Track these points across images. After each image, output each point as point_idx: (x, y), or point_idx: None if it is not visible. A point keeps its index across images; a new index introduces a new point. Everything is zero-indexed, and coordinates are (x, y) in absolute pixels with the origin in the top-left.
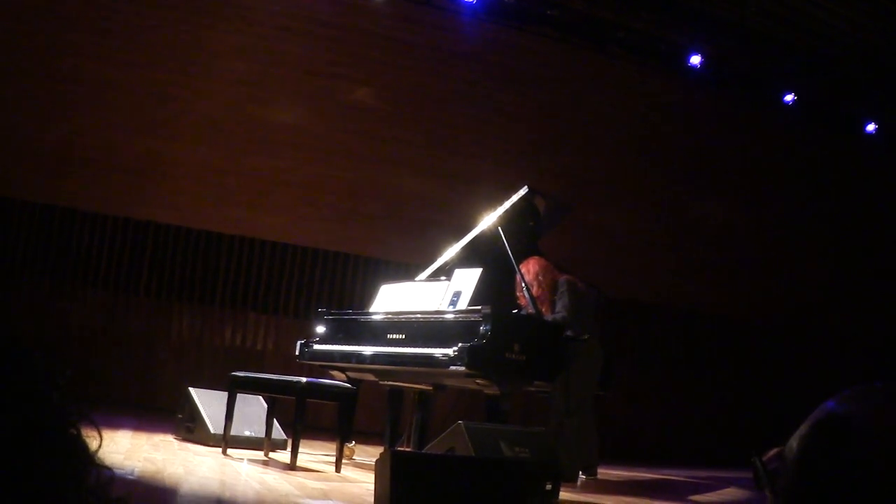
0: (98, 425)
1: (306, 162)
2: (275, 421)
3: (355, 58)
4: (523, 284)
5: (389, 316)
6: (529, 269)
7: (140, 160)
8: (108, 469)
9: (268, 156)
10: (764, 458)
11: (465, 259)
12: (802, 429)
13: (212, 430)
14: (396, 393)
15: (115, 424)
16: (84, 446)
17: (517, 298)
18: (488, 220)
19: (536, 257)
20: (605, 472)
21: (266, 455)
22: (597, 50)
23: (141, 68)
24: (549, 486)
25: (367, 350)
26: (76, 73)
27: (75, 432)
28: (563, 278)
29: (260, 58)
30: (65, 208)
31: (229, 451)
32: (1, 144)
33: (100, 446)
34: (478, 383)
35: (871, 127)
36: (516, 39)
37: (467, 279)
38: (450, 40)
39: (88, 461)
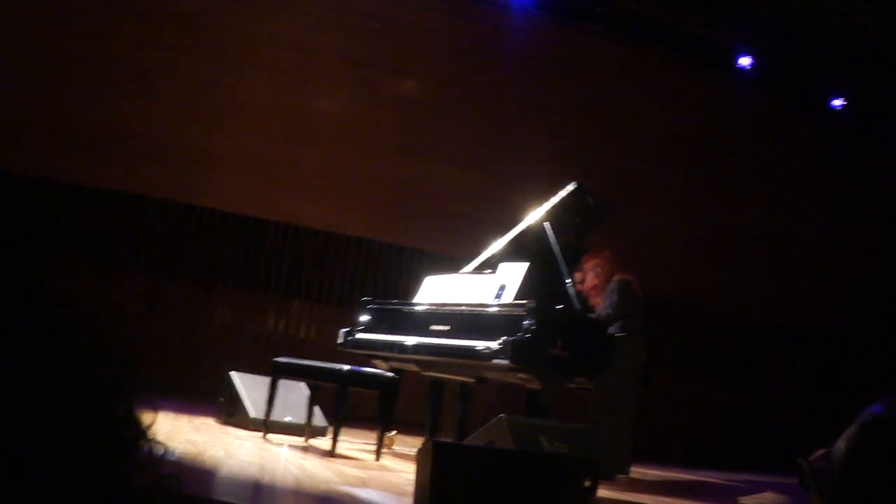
0: (154, 402)
1: (350, 153)
2: (316, 408)
3: (400, 50)
4: (567, 280)
5: (433, 307)
6: (588, 260)
7: (184, 147)
8: (161, 445)
9: (311, 145)
10: (810, 459)
11: (511, 253)
12: (850, 431)
13: (252, 415)
14: (438, 384)
15: (156, 406)
16: (136, 422)
17: (574, 285)
18: (535, 215)
19: (601, 251)
20: (640, 472)
21: (306, 441)
22: (644, 49)
23: (187, 56)
24: (587, 483)
25: (410, 340)
26: (123, 59)
27: (126, 409)
28: (617, 276)
29: (305, 48)
30: (109, 192)
31: (269, 435)
32: (47, 129)
33: (153, 422)
34: (520, 377)
35: None
36: (563, 36)
37: (514, 273)
38: (495, 35)
39: (140, 437)
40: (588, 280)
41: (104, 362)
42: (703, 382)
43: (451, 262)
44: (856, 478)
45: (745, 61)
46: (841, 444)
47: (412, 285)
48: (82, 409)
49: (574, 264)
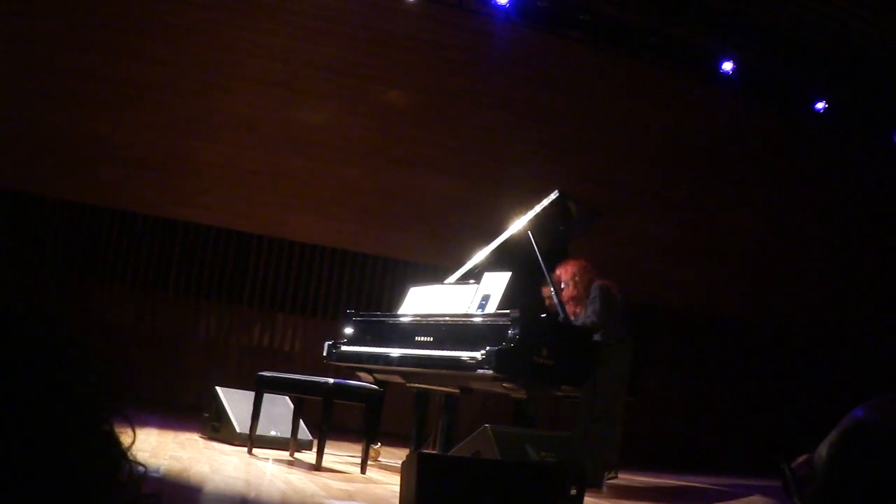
0: (132, 421)
1: (337, 163)
2: (301, 421)
3: (387, 60)
4: (552, 289)
5: (418, 318)
6: (567, 269)
7: (172, 159)
8: (141, 465)
9: (299, 156)
10: (793, 465)
11: (495, 262)
12: (832, 436)
13: (238, 430)
14: (423, 395)
15: (142, 422)
16: (117, 441)
17: (545, 300)
18: (518, 224)
19: (577, 258)
20: (628, 478)
21: (291, 455)
22: (628, 55)
23: (175, 68)
24: (573, 491)
25: (395, 352)
26: (110, 72)
27: (108, 427)
28: (597, 282)
29: (293, 59)
30: (96, 206)
31: (255, 450)
32: (34, 142)
33: (133, 442)
34: (505, 387)
35: None
36: (548, 43)
37: (497, 283)
38: (481, 43)
39: (121, 456)
40: (568, 289)
41: (87, 379)
42: (691, 386)
43: (436, 272)
44: (837, 484)
45: (727, 66)
46: (822, 450)
47: (397, 296)
48: (66, 427)
49: None
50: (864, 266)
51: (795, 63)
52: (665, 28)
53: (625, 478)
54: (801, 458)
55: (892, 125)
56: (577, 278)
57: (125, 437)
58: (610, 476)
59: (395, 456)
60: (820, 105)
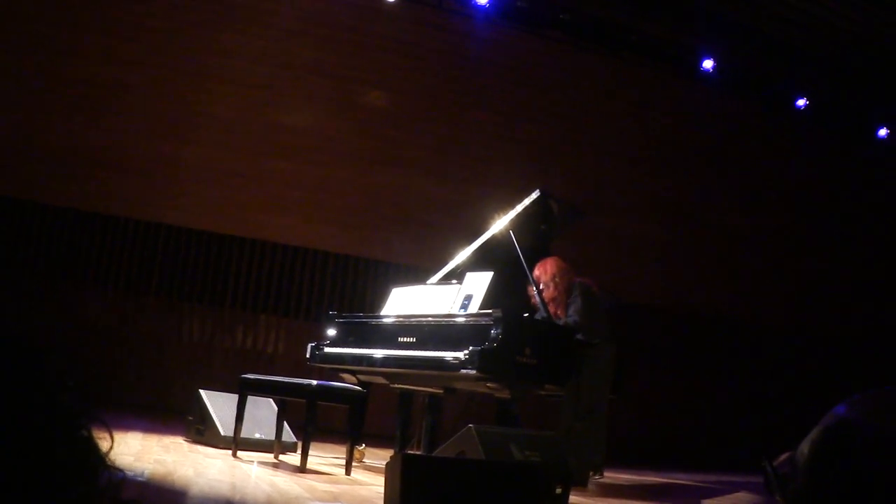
0: (109, 427)
1: (318, 165)
2: (285, 423)
3: (368, 61)
4: (535, 288)
5: (400, 319)
6: (546, 270)
7: (153, 163)
8: (120, 471)
9: (280, 158)
10: (775, 463)
11: (477, 262)
12: (813, 434)
13: (222, 433)
14: (407, 396)
15: (126, 426)
16: (95, 447)
17: (530, 299)
18: (500, 224)
19: (554, 258)
20: (613, 476)
21: (276, 457)
22: (610, 54)
23: (155, 71)
24: (559, 490)
25: (378, 353)
26: (91, 76)
27: (86, 434)
28: (577, 281)
29: (273, 61)
30: (79, 210)
31: (239, 453)
32: (16, 147)
33: (111, 448)
34: (488, 387)
35: (882, 132)
36: (529, 43)
37: (479, 283)
38: (462, 44)
39: (100, 462)
40: (549, 291)
41: (64, 387)
42: (675, 384)
43: (419, 273)
44: (819, 481)
45: (708, 64)
46: (804, 447)
47: (379, 297)
48: (43, 435)
49: None
50: (850, 262)
51: (776, 60)
52: (646, 27)
53: (610, 476)
54: (783, 456)
55: (874, 120)
56: (556, 279)
57: (103, 442)
58: (595, 476)
59: (379, 457)
60: (801, 102)
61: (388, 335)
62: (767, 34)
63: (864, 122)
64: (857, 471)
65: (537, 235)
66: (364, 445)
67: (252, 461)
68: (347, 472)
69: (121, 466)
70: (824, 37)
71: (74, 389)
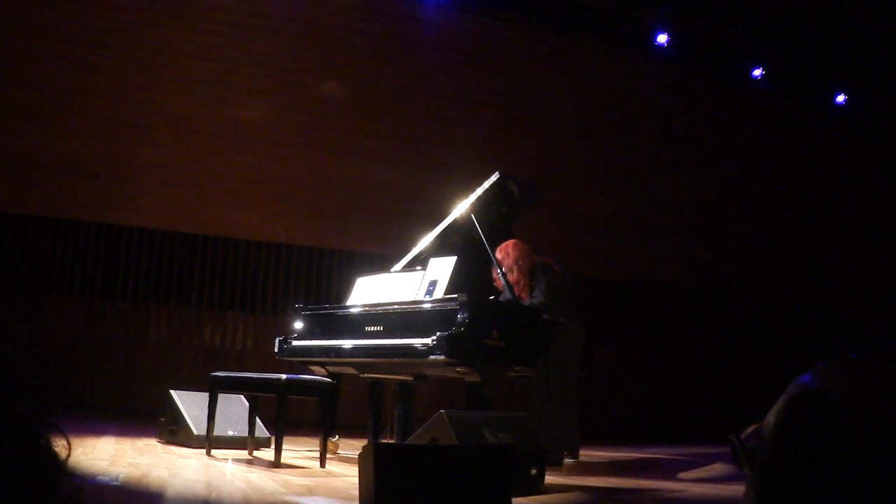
0: (66, 434)
1: (276, 158)
2: (257, 419)
3: (320, 52)
4: (499, 270)
5: (366, 308)
6: (509, 254)
7: (110, 165)
8: (79, 477)
9: (237, 153)
10: (741, 436)
11: (440, 248)
12: (778, 404)
13: (195, 432)
14: (377, 385)
15: (99, 430)
16: (54, 456)
17: (494, 282)
18: (461, 208)
19: (515, 241)
20: (589, 454)
21: (250, 454)
22: (562, 32)
23: (107, 73)
24: (534, 471)
25: (346, 343)
26: (41, 80)
27: (44, 442)
28: (539, 261)
29: (225, 56)
30: (38, 216)
31: (213, 451)
32: None
33: (69, 455)
34: (458, 371)
35: (840, 98)
36: (479, 25)
37: (443, 268)
38: (413, 29)
39: (59, 471)
40: (512, 275)
41: (20, 397)
42: (644, 359)
43: (383, 261)
44: (785, 452)
45: (662, 38)
46: (770, 418)
47: (345, 288)
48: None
49: None
50: (811, 230)
51: (731, 31)
52: (597, 3)
53: (585, 454)
54: (749, 429)
55: (832, 87)
56: (519, 262)
57: (62, 450)
58: (570, 457)
59: (354, 448)
60: (757, 72)
61: (354, 325)
62: (720, 5)
63: (821, 89)
64: (822, 439)
65: (499, 217)
66: (338, 437)
67: (226, 459)
68: (322, 465)
69: (90, 472)
70: (777, 5)
71: (30, 398)
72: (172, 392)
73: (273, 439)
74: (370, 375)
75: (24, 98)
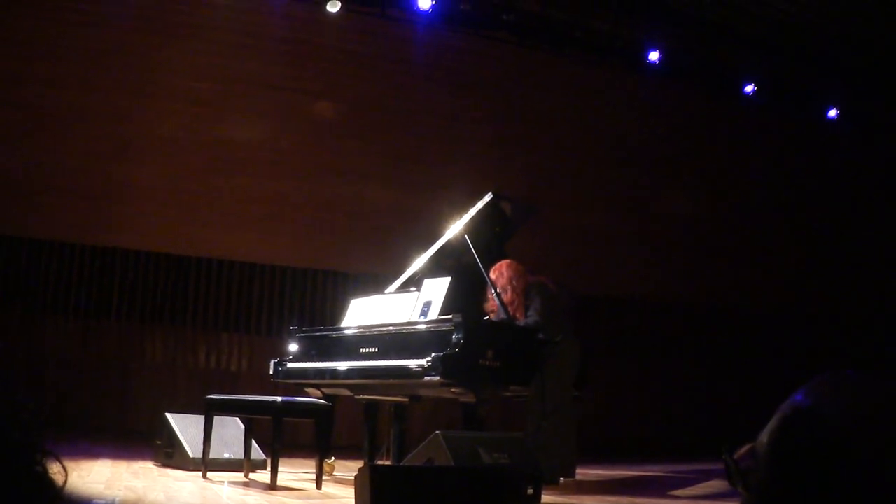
0: (62, 459)
1: (269, 178)
2: (253, 441)
3: (314, 72)
4: (493, 291)
5: (361, 330)
6: (503, 274)
7: (103, 186)
8: (76, 503)
9: (230, 174)
10: (735, 456)
11: (434, 268)
12: (772, 423)
13: (191, 455)
14: (372, 406)
15: (95, 453)
16: (50, 483)
17: (486, 301)
18: (455, 229)
19: (508, 261)
20: (584, 473)
21: (246, 476)
22: (555, 51)
23: (99, 93)
24: (530, 491)
25: (341, 365)
26: (34, 101)
27: (41, 469)
28: (533, 280)
29: (218, 76)
30: (33, 238)
31: (209, 474)
32: None
33: (66, 482)
34: (453, 392)
35: (832, 112)
36: (473, 45)
37: (437, 289)
38: (407, 50)
39: (55, 497)
40: (507, 296)
41: (17, 423)
42: (640, 374)
43: (377, 281)
44: (779, 472)
45: (654, 56)
46: (763, 438)
47: (339, 309)
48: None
49: None
50: (805, 244)
51: (722, 47)
52: (589, 22)
53: (581, 472)
54: (743, 449)
55: (824, 102)
56: (513, 282)
57: (58, 477)
58: (568, 478)
59: (350, 469)
60: (749, 88)
61: (349, 347)
62: (711, 22)
63: (813, 104)
64: (817, 459)
65: (492, 237)
66: (334, 458)
67: (222, 481)
68: (318, 487)
69: (87, 496)
70: (769, 20)
71: (28, 422)
72: (168, 415)
73: (269, 461)
74: (365, 397)
75: (15, 118)
